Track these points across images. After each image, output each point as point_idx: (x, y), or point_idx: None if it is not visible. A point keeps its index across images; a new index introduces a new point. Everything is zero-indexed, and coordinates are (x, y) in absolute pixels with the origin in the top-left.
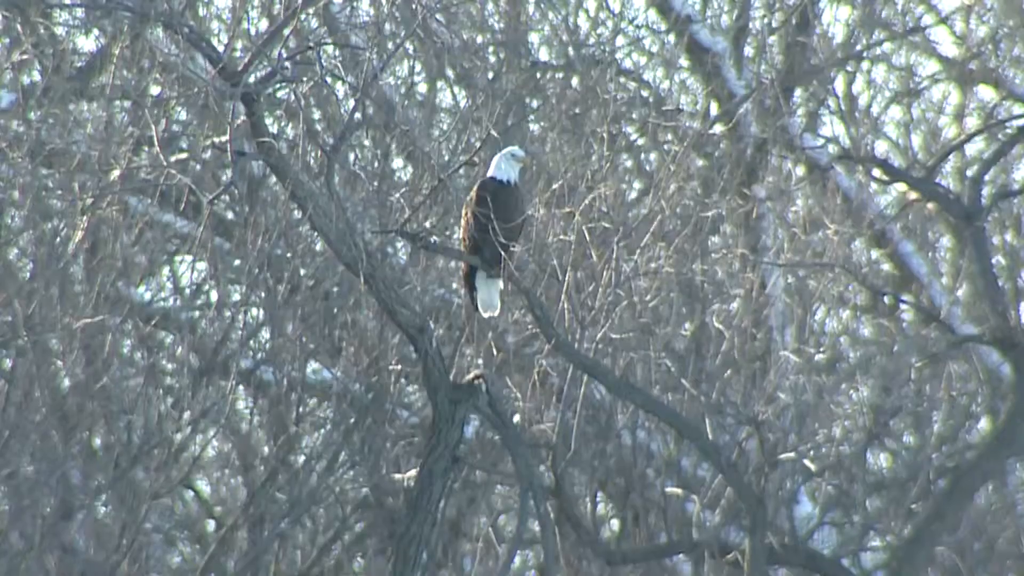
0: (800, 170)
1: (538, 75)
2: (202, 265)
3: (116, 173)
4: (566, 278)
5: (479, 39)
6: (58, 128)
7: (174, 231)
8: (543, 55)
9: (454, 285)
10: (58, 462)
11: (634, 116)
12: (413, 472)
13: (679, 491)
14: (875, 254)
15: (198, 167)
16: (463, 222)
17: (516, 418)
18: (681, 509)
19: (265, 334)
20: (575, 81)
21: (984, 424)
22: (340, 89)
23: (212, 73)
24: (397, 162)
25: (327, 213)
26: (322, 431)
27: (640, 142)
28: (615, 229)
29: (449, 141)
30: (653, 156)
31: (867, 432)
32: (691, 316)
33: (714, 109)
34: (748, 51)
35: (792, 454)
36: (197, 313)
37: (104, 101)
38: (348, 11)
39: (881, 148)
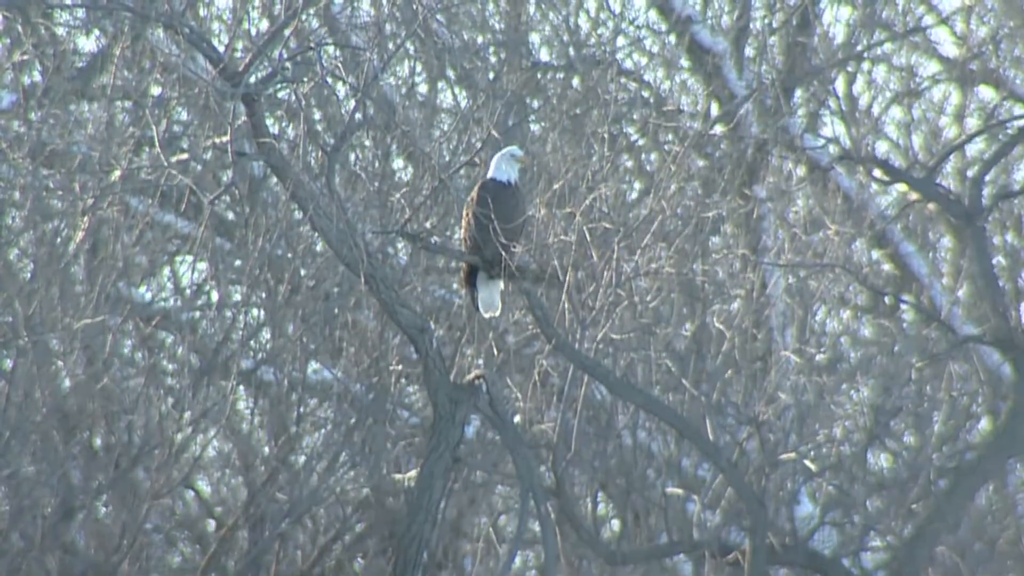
0: (801, 170)
1: (539, 75)
2: (203, 265)
3: (117, 173)
4: (566, 278)
5: (480, 39)
6: (59, 128)
7: (175, 231)
8: (544, 55)
9: (455, 285)
10: (58, 462)
11: (635, 116)
12: (413, 472)
13: (680, 491)
14: (876, 254)
15: (199, 167)
16: (464, 222)
17: (516, 418)
18: (682, 509)
19: (266, 334)
20: (576, 81)
21: (984, 424)
22: (341, 89)
23: (213, 73)
24: (398, 162)
25: (328, 213)
26: (323, 431)
27: (641, 142)
28: (616, 229)
29: (450, 141)
30: (654, 156)
31: (868, 432)
32: (692, 316)
33: (715, 109)
34: (749, 51)
35: (793, 454)
36: (198, 313)
37: (105, 101)
38: (349, 11)
39: (882, 148)
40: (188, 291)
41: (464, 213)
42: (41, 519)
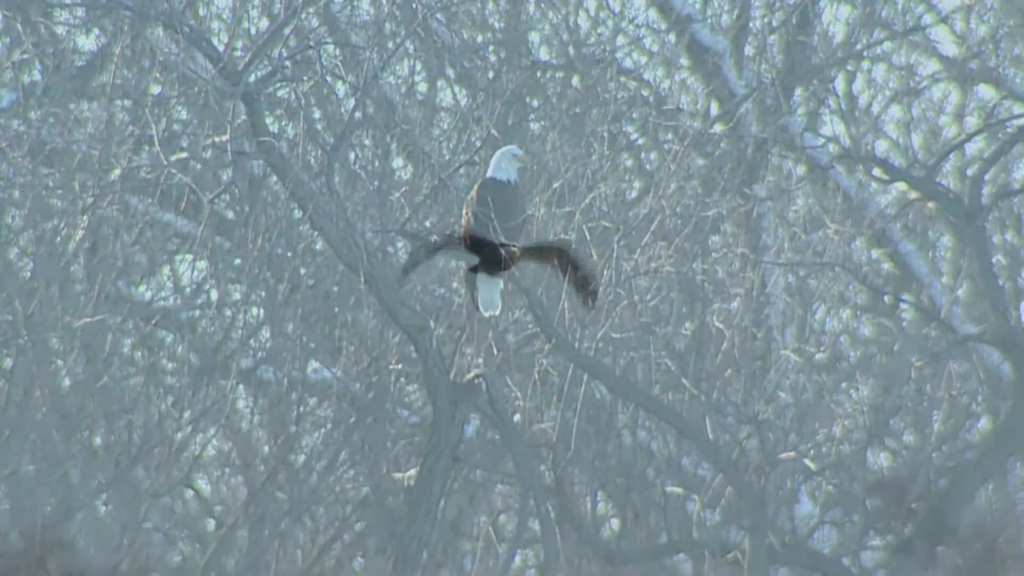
0: (800, 169)
1: (538, 74)
2: (202, 264)
3: (116, 172)
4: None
5: (479, 38)
6: (59, 127)
7: (174, 230)
8: (543, 54)
9: (454, 284)
10: (58, 461)
11: (634, 115)
12: (413, 471)
13: (679, 490)
14: (875, 253)
15: (198, 166)
16: (463, 221)
17: (516, 417)
18: (681, 508)
19: (265, 333)
20: (575, 80)
21: (984, 423)
22: (340, 88)
23: (213, 72)
24: (397, 161)
25: (327, 212)
26: (322, 430)
27: (640, 141)
28: (615, 228)
29: (449, 140)
30: (653, 155)
31: (867, 431)
32: (691, 315)
33: (714, 108)
34: (748, 50)
35: (792, 453)
36: (197, 312)
37: (105, 100)
38: (348, 10)
39: (881, 147)
40: (188, 290)
41: (464, 212)
42: (41, 519)
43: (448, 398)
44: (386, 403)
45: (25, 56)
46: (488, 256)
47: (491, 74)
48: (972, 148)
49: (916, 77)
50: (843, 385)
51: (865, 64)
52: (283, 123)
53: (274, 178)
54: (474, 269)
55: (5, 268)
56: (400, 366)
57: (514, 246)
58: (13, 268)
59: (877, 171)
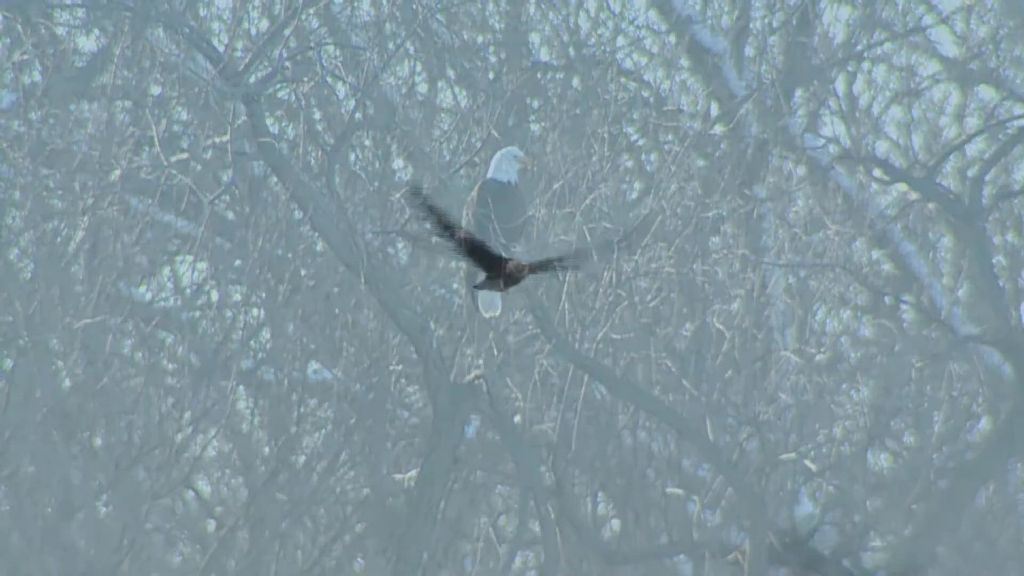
0: (801, 170)
1: (539, 75)
2: (203, 265)
3: (117, 173)
4: (566, 278)
5: (479, 39)
6: (59, 128)
7: (175, 231)
8: (544, 55)
9: (455, 285)
10: (59, 462)
11: (635, 116)
12: (414, 473)
13: (680, 491)
14: (876, 254)
15: (199, 167)
16: (464, 222)
17: (516, 418)
18: (682, 509)
19: (266, 334)
20: (576, 81)
21: (985, 424)
22: (341, 89)
23: (213, 73)
24: (398, 162)
25: (328, 213)
26: (323, 431)
27: (641, 142)
28: (616, 229)
29: (450, 141)
30: (654, 156)
31: (867, 432)
32: (692, 316)
33: (714, 109)
34: (749, 51)
35: (793, 454)
36: (198, 313)
37: (105, 101)
38: (349, 11)
39: (881, 148)
40: (188, 291)
41: (464, 213)
42: (41, 519)
43: (449, 399)
44: (386, 404)
45: (25, 57)
46: (486, 263)
47: (491, 75)
48: (972, 149)
49: (916, 78)
50: (843, 386)
51: (865, 65)
52: (283, 124)
53: (274, 179)
54: (479, 284)
55: (5, 269)
56: (400, 367)
57: (524, 264)
58: (13, 269)
59: (877, 172)
